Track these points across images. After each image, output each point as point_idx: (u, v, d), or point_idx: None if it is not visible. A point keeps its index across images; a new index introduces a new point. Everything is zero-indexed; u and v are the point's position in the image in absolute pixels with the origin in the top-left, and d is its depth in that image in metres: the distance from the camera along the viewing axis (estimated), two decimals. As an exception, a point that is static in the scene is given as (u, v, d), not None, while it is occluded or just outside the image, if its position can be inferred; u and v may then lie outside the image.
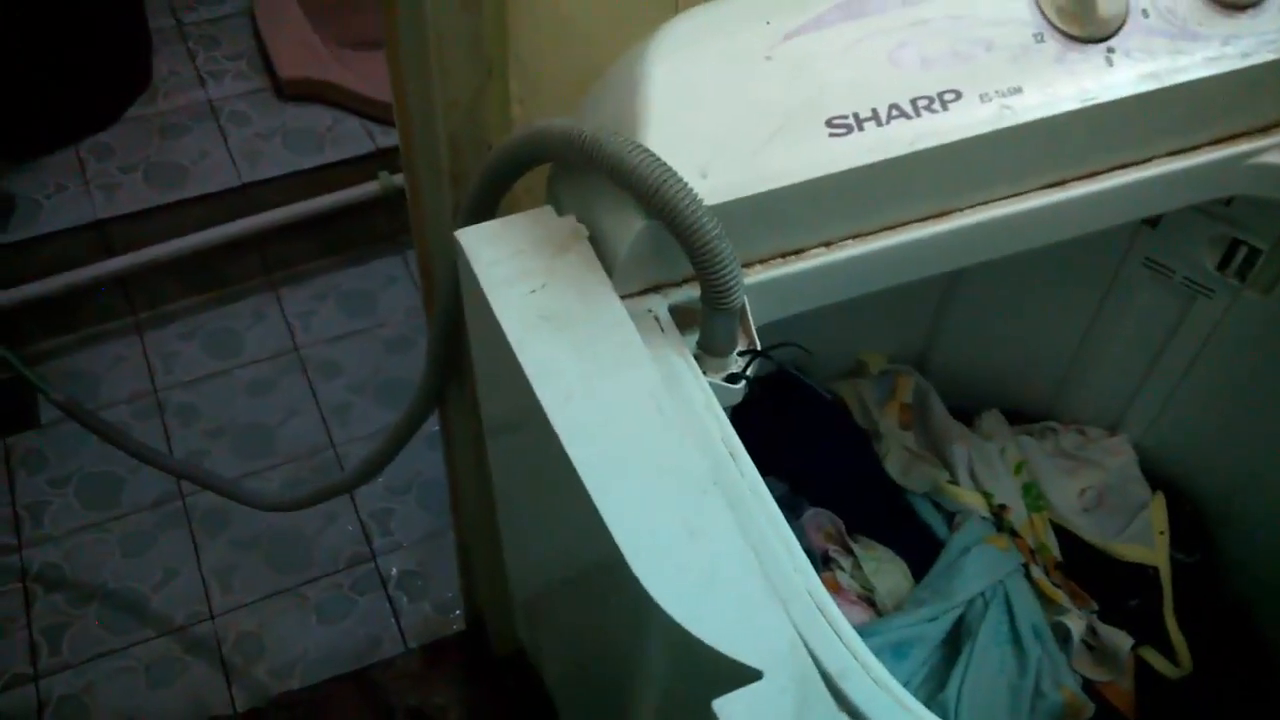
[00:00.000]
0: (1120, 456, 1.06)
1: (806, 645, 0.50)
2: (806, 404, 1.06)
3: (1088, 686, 0.94)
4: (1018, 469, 1.06)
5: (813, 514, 1.02)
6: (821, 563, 1.00)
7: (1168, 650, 0.98)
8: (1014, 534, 1.01)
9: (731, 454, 0.58)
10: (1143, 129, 0.71)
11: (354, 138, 1.71)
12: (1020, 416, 1.12)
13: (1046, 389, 1.10)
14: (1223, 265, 0.90)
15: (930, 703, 0.89)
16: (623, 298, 0.64)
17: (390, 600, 1.39)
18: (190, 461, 1.48)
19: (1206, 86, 0.70)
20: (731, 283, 0.60)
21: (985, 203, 0.71)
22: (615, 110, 0.64)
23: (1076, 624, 0.95)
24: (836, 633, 0.51)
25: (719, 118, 0.63)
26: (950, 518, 1.03)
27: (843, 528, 1.02)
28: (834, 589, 0.97)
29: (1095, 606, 0.98)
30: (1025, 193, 0.72)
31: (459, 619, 1.37)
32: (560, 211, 0.66)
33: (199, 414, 1.56)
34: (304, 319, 1.67)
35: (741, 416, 1.03)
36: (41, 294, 1.52)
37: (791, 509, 1.01)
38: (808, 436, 1.04)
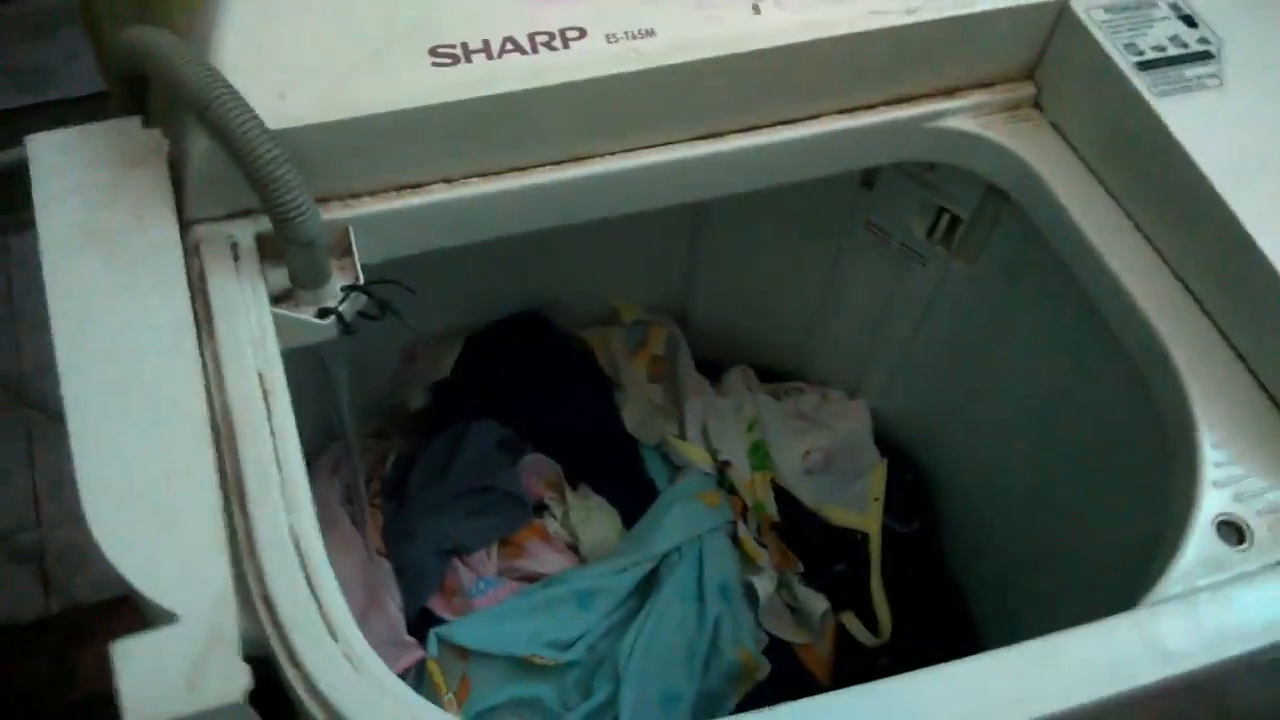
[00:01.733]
0: (852, 421, 1.04)
1: (268, 597, 0.49)
2: (552, 348, 1.03)
3: (782, 648, 0.93)
4: (750, 427, 1.03)
5: (532, 459, 0.99)
6: (535, 510, 0.98)
7: (871, 617, 0.96)
8: (733, 492, 0.99)
9: (265, 392, 0.55)
10: (796, 83, 0.68)
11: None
12: (772, 375, 1.10)
13: (795, 348, 1.07)
14: (931, 233, 0.87)
15: (606, 654, 0.88)
16: (201, 221, 0.61)
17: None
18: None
19: (866, 41, 0.67)
20: (293, 212, 0.57)
21: (627, 150, 0.68)
22: (200, 21, 0.60)
23: (764, 584, 0.93)
24: (312, 586, 0.50)
25: (308, 37, 0.60)
26: (678, 472, 1.01)
27: (562, 475, 1.00)
28: (542, 536, 0.96)
29: (800, 568, 0.97)
30: (674, 142, 0.68)
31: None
32: (155, 123, 0.62)
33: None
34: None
35: (484, 359, 1.01)
36: None
37: (513, 453, 0.99)
38: (548, 382, 1.02)
